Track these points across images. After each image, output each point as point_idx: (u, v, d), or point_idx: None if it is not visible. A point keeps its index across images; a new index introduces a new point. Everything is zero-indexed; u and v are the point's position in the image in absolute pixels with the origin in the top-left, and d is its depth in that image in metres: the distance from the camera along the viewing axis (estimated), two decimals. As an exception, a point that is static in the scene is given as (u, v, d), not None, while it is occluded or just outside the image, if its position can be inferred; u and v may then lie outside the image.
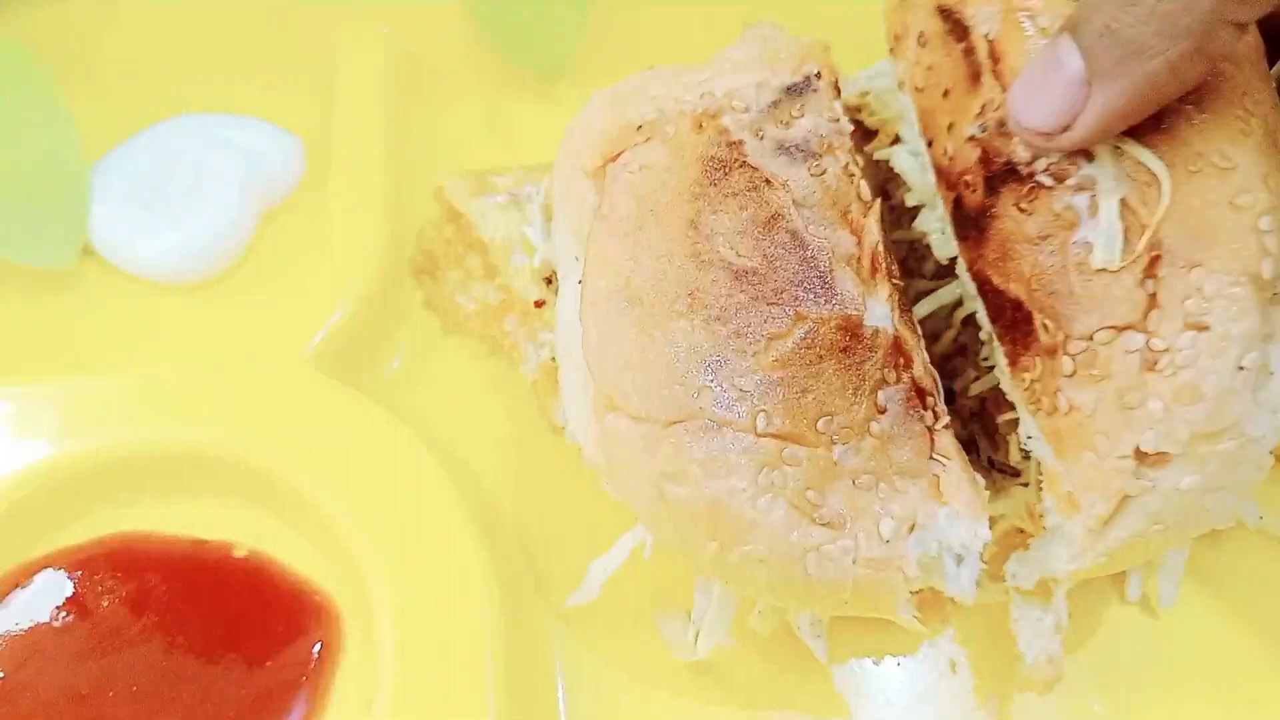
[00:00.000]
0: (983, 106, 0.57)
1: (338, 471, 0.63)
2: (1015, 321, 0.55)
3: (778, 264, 0.55)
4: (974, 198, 0.57)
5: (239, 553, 0.63)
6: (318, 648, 0.61)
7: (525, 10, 0.75)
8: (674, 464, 0.52)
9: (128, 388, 0.66)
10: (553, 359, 0.63)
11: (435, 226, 0.73)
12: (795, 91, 0.61)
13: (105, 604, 0.61)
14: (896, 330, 0.55)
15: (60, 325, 0.72)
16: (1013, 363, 0.55)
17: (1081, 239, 0.52)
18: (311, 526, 0.63)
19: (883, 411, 0.54)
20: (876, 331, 0.54)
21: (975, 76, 0.58)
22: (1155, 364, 0.51)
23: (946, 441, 0.55)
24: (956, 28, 0.60)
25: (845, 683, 0.61)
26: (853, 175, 0.59)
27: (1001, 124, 0.56)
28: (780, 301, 0.54)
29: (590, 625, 0.62)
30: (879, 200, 0.59)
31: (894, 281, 0.57)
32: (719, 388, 0.52)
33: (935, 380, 0.56)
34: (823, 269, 0.55)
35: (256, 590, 0.62)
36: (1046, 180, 0.54)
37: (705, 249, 0.55)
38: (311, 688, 0.60)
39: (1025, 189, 0.54)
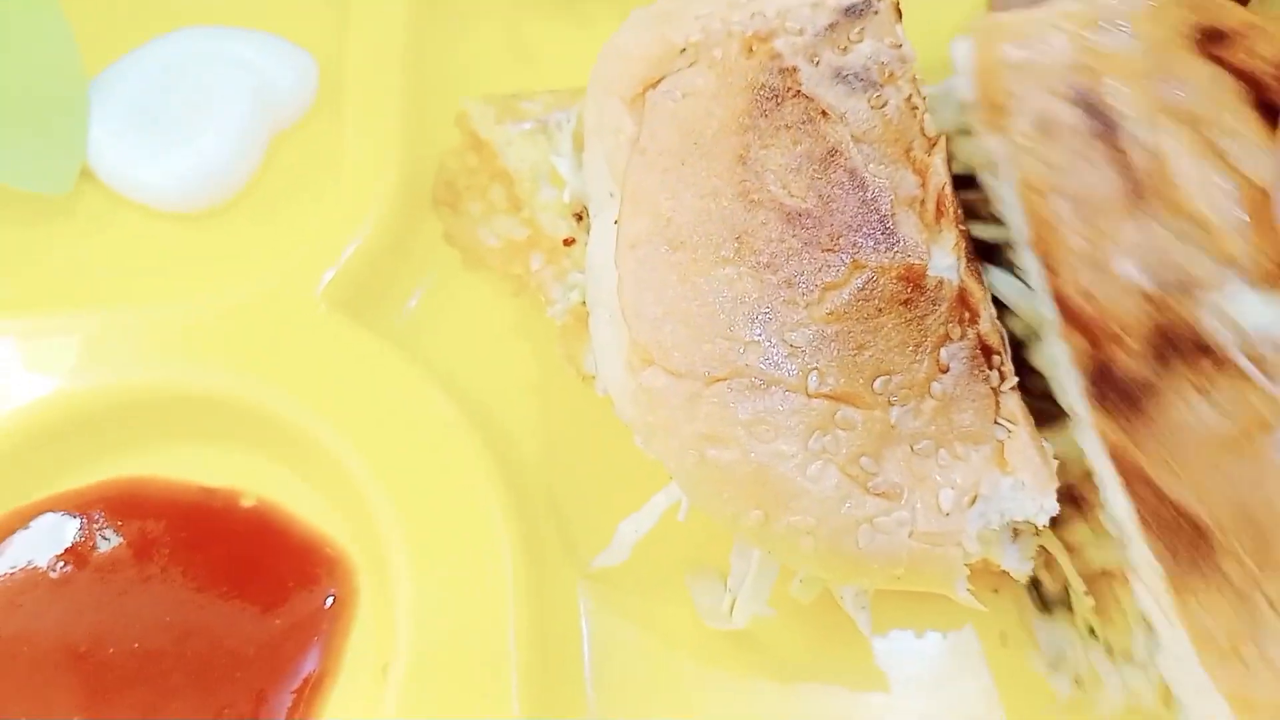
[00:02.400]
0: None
1: (352, 419, 0.59)
2: (1186, 539, 0.43)
3: (834, 206, 0.50)
4: (1130, 364, 0.44)
5: (247, 502, 0.60)
6: (330, 603, 0.58)
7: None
8: (716, 425, 0.47)
9: (132, 325, 0.62)
10: (583, 303, 0.58)
11: (457, 154, 0.68)
12: (854, 13, 0.55)
13: (106, 554, 0.58)
14: (962, 281, 0.50)
15: (58, 255, 0.68)
16: (1177, 587, 0.43)
17: None
18: (324, 476, 0.59)
19: (945, 370, 0.49)
20: (941, 283, 0.49)
21: (1136, 194, 0.44)
22: None
23: (1013, 404, 0.50)
24: (1101, 122, 0.46)
25: (888, 655, 0.57)
26: (916, 108, 0.53)
27: (1185, 284, 0.42)
28: (836, 248, 0.49)
29: (619, 587, 0.58)
30: (944, 136, 0.53)
31: (960, 227, 0.52)
32: (767, 342, 0.48)
33: (1003, 336, 0.51)
34: (883, 212, 0.50)
35: (265, 542, 0.59)
36: (1248, 367, 0.41)
37: (755, 187, 0.50)
38: (324, 647, 0.56)
39: (1211, 371, 0.42)
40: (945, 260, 0.50)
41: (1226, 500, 0.42)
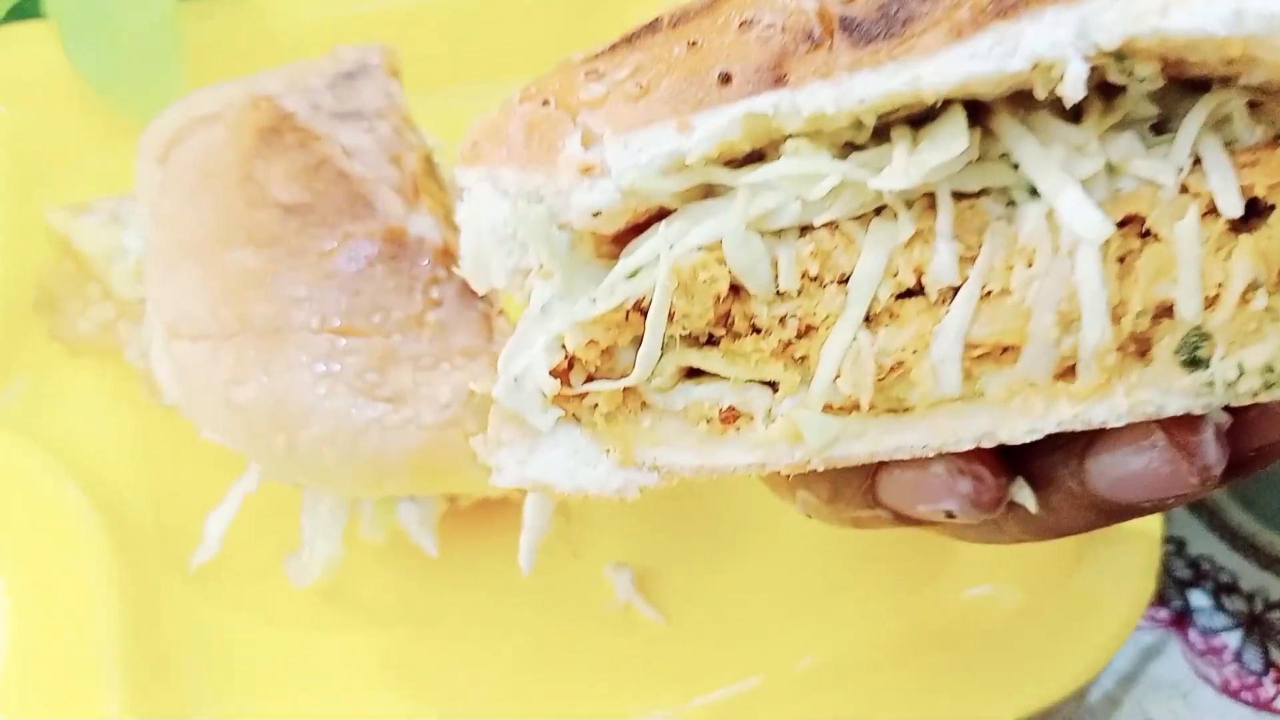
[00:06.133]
0: None
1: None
2: None
3: (325, 197, 0.61)
4: None
5: None
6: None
7: (121, 56, 0.81)
8: (236, 370, 0.55)
9: None
10: (154, 341, 0.66)
11: (53, 264, 0.75)
12: (351, 75, 0.69)
13: None
14: (445, 238, 0.62)
15: None
16: None
17: None
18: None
19: (438, 303, 0.60)
20: (422, 239, 0.61)
21: None
22: None
23: (504, 325, 0.61)
24: None
25: (460, 582, 0.64)
26: (402, 132, 0.66)
27: None
28: (328, 224, 0.60)
29: (222, 580, 0.63)
30: (425, 146, 0.66)
31: (447, 203, 0.64)
32: (275, 298, 0.57)
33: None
34: (367, 196, 0.61)
35: None
36: None
37: (258, 195, 0.61)
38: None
39: None
40: (425, 222, 0.62)
41: None
